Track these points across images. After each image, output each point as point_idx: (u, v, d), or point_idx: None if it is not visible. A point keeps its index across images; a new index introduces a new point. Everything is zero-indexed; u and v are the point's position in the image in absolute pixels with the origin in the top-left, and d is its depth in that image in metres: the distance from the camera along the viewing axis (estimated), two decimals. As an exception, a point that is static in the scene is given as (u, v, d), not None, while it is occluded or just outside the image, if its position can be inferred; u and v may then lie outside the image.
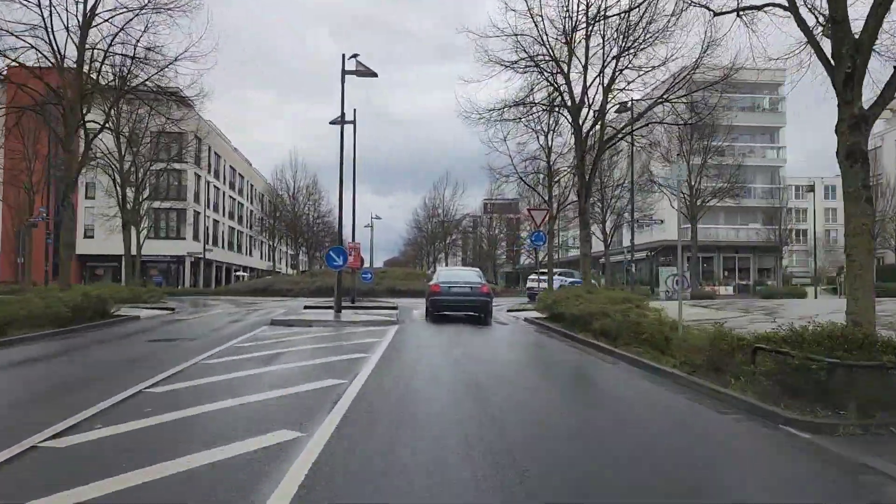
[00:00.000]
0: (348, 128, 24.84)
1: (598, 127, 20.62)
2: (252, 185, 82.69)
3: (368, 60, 22.35)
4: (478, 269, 23.77)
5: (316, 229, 75.39)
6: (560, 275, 32.73)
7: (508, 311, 23.88)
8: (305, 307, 23.90)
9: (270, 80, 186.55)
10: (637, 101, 20.34)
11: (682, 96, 19.24)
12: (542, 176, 29.17)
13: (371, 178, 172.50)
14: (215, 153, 68.95)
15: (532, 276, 36.25)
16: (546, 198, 28.91)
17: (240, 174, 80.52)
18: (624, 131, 21.15)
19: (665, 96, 19.07)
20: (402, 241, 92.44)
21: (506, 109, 20.95)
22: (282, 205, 68.11)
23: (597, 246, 63.58)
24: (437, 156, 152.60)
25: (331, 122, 25.56)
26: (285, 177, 68.80)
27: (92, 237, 57.08)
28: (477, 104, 23.13)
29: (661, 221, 35.70)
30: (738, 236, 53.53)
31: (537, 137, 26.42)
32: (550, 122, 25.10)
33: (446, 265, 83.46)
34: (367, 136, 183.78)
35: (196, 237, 58.35)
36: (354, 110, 25.48)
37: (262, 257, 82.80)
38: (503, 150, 25.98)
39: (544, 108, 22.07)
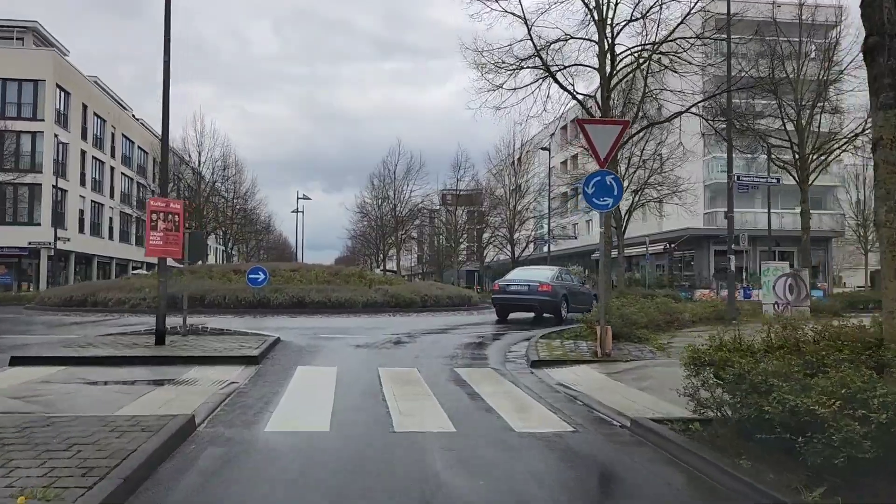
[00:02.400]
0: None
1: None
2: (159, 164, 66.01)
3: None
4: (556, 268, 20.40)
5: (234, 218, 59.51)
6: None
7: (533, 363, 9.71)
8: (13, 359, 9.32)
9: (209, 75, 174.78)
10: None
11: None
12: (574, 74, 15.01)
13: (319, 176, 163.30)
14: (95, 115, 52.58)
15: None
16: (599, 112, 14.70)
17: (141, 149, 64.30)
18: None
19: None
20: (347, 233, 75.72)
21: None
22: (177, 170, 49.53)
23: (586, 239, 49.72)
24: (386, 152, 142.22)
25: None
26: (187, 142, 51.78)
27: None
28: None
29: (778, 180, 21.37)
30: (781, 224, 40.54)
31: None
32: None
33: (397, 262, 68.96)
34: (314, 135, 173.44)
35: (59, 223, 42.19)
36: None
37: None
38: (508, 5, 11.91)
39: None
